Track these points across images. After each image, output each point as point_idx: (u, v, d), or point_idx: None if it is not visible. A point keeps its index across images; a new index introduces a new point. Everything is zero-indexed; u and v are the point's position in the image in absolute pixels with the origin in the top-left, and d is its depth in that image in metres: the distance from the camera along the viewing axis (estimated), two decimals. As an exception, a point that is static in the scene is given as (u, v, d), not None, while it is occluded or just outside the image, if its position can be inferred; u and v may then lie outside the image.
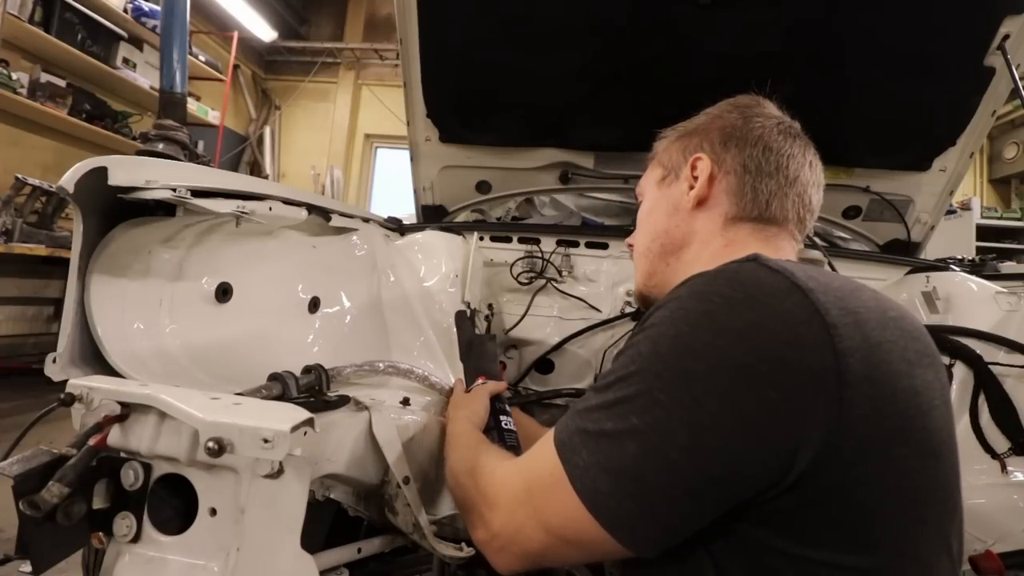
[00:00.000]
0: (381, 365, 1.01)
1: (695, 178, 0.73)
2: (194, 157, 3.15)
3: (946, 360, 1.22)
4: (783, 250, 0.69)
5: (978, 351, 1.18)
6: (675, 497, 0.48)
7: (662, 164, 0.80)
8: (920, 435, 0.50)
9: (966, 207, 5.11)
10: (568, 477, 0.51)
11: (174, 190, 0.70)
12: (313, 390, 0.82)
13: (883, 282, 1.49)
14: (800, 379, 0.46)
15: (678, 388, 0.48)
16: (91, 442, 0.51)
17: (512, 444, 0.91)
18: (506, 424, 0.95)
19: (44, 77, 3.73)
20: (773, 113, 0.75)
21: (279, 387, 0.75)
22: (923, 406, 0.50)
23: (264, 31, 6.13)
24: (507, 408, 1.00)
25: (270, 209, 0.86)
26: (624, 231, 1.54)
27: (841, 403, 0.46)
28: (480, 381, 1.05)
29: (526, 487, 0.56)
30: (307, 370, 0.84)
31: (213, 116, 5.21)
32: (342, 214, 1.10)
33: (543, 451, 0.56)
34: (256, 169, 6.65)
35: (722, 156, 0.72)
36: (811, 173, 0.72)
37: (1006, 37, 1.29)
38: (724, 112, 0.76)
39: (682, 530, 0.50)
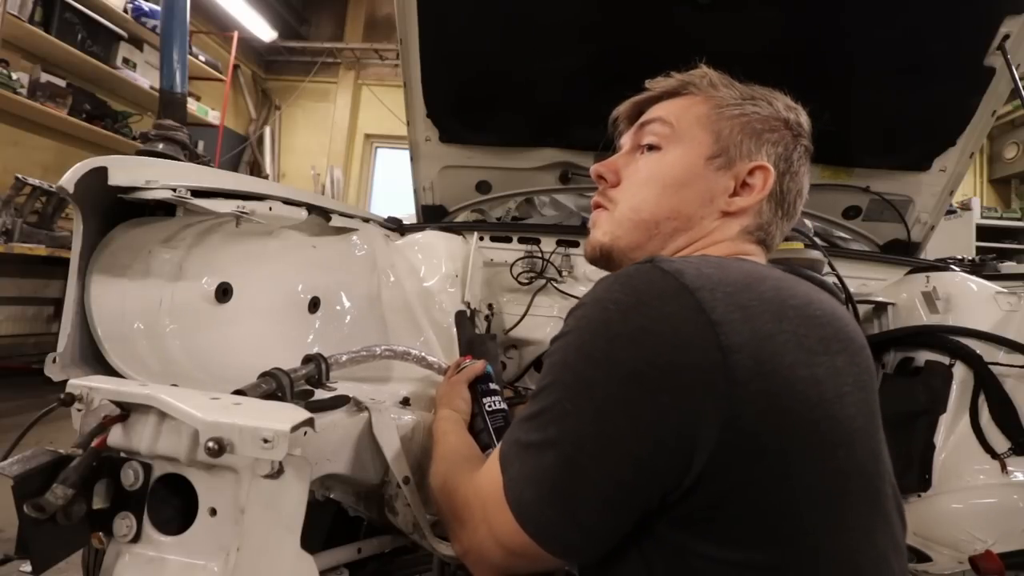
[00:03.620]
0: (378, 349, 1.01)
1: (748, 186, 0.66)
2: (194, 157, 3.15)
3: (946, 360, 1.22)
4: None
5: (978, 351, 1.18)
6: (591, 505, 0.49)
7: (717, 132, 0.66)
8: (825, 424, 0.48)
9: (966, 207, 5.11)
10: (503, 490, 0.53)
11: (174, 190, 0.70)
12: (313, 380, 0.82)
13: (883, 282, 1.50)
14: (688, 380, 0.46)
15: (582, 397, 0.49)
16: (94, 442, 0.51)
17: (499, 426, 0.91)
18: (491, 406, 0.94)
19: (44, 77, 3.73)
20: (806, 129, 0.69)
21: (272, 382, 0.75)
22: (827, 395, 0.49)
23: (264, 31, 6.13)
24: (492, 387, 0.97)
25: (270, 209, 0.86)
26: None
27: (731, 400, 0.45)
28: (467, 361, 1.03)
29: (482, 504, 0.57)
30: (307, 360, 0.85)
31: (213, 116, 5.21)
32: (342, 214, 1.10)
33: (493, 464, 0.57)
34: (256, 169, 6.64)
35: (776, 176, 0.66)
36: None
37: (1006, 37, 1.30)
38: (778, 110, 0.68)
39: (605, 536, 0.50)
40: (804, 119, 0.70)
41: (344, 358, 0.93)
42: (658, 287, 0.50)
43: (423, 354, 1.07)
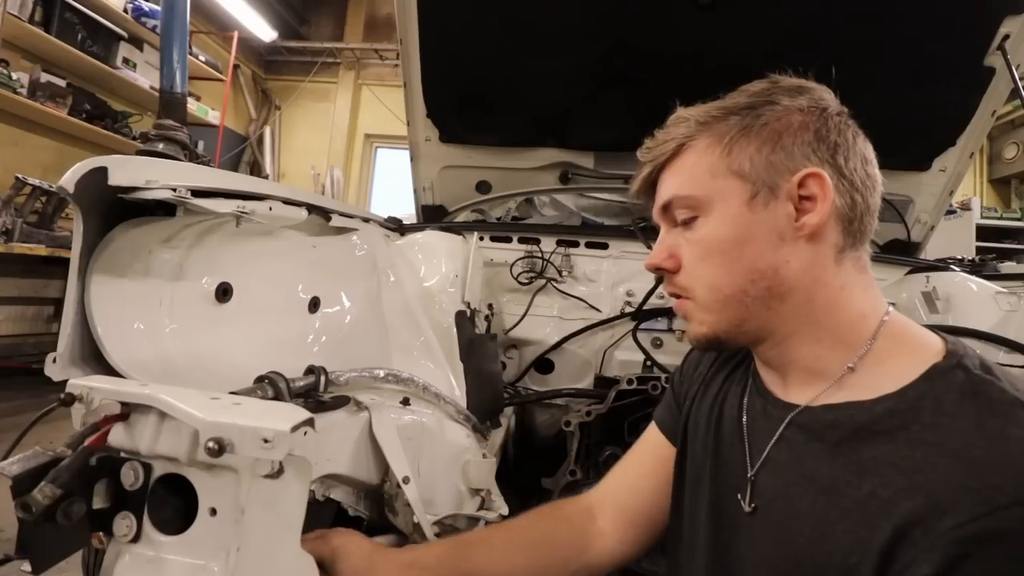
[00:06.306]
0: (381, 373, 0.99)
1: (808, 199, 0.57)
2: (194, 157, 3.15)
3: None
4: (870, 273, 0.61)
5: (978, 351, 1.18)
6: None
7: (739, 170, 0.59)
8: None
9: (966, 207, 5.11)
10: None
11: (174, 190, 0.70)
12: (311, 392, 0.82)
13: (883, 282, 1.49)
14: None
15: None
16: (87, 442, 0.51)
17: None
18: None
19: (44, 77, 3.73)
20: (825, 97, 0.61)
21: (270, 389, 0.74)
22: None
23: (264, 31, 6.13)
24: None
25: (270, 209, 0.86)
26: (624, 231, 1.54)
27: None
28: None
29: None
30: (309, 371, 0.84)
31: (213, 116, 5.21)
32: (342, 214, 1.10)
33: None
34: (256, 169, 6.64)
35: (837, 169, 0.57)
36: None
37: (1006, 37, 1.30)
38: (784, 105, 0.59)
39: None
40: (819, 91, 0.63)
41: (345, 376, 0.89)
42: None
43: (426, 384, 1.00)
